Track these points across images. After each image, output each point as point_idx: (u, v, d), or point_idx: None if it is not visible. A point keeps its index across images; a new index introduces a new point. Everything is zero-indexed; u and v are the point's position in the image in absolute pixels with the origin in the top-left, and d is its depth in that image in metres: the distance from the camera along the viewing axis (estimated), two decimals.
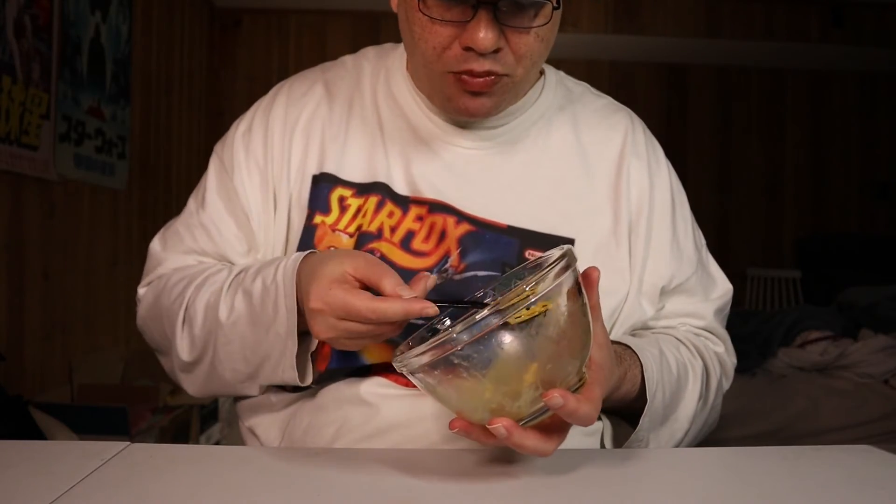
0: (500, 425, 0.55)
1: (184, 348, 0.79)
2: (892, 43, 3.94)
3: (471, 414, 0.57)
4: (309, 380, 0.74)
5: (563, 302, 0.55)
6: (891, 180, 4.41)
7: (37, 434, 1.67)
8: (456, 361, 0.54)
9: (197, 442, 2.41)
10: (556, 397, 0.54)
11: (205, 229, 0.84)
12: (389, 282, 0.62)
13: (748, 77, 4.40)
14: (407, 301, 0.61)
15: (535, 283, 0.54)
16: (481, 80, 0.71)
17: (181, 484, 0.55)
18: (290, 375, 0.73)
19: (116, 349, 2.79)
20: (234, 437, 2.66)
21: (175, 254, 0.85)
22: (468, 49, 0.69)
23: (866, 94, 4.41)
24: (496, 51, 0.69)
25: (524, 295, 0.53)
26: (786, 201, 4.43)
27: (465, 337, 0.53)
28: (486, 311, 0.53)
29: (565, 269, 0.56)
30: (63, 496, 0.51)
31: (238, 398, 0.87)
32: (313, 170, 0.81)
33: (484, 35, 0.67)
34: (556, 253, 0.59)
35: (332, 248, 0.77)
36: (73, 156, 2.48)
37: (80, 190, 2.57)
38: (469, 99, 0.73)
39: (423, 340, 0.57)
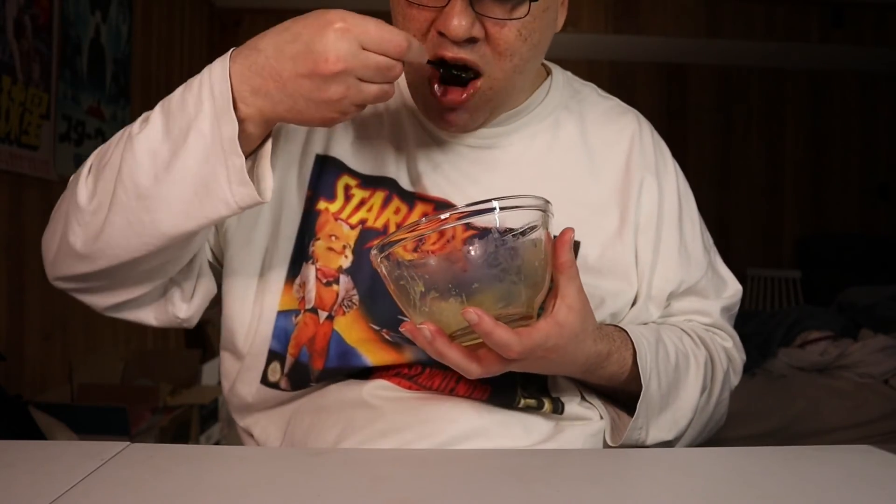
0: (426, 327, 0.59)
1: (84, 189, 0.69)
2: (892, 43, 3.94)
3: (411, 317, 0.61)
4: (264, 188, 0.65)
5: (515, 230, 0.58)
6: (891, 180, 4.41)
7: (37, 434, 1.67)
8: (399, 258, 0.59)
9: (197, 442, 2.41)
10: (472, 313, 0.57)
11: None
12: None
13: (748, 77, 4.40)
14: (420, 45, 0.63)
15: (499, 202, 0.58)
16: (454, 95, 0.71)
17: (181, 484, 0.55)
18: (230, 175, 0.62)
19: (116, 349, 2.79)
20: (234, 437, 2.65)
21: None
22: (442, 35, 0.68)
23: (866, 94, 4.41)
24: (473, 41, 0.69)
25: (485, 203, 0.58)
26: (786, 201, 4.43)
27: (421, 229, 0.58)
28: (446, 213, 0.58)
29: (533, 206, 0.59)
30: (63, 496, 0.51)
31: (230, 401, 0.84)
32: (318, 149, 0.80)
33: (457, 22, 0.66)
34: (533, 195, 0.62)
35: (333, 237, 0.77)
36: (73, 156, 2.48)
37: None
38: (446, 112, 0.73)
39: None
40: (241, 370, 0.79)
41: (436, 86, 0.71)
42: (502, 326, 0.58)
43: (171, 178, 0.64)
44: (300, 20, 0.61)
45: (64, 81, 2.42)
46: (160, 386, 2.40)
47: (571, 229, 0.63)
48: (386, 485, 0.56)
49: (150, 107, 0.69)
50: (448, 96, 0.71)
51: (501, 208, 0.58)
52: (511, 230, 0.58)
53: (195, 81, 0.66)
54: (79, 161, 2.52)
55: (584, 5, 3.81)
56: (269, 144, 0.67)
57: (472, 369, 0.61)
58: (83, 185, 0.70)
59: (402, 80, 0.83)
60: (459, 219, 0.58)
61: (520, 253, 0.59)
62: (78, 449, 0.62)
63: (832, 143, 4.43)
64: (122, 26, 2.86)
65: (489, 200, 0.58)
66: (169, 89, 0.69)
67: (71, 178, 0.74)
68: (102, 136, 2.70)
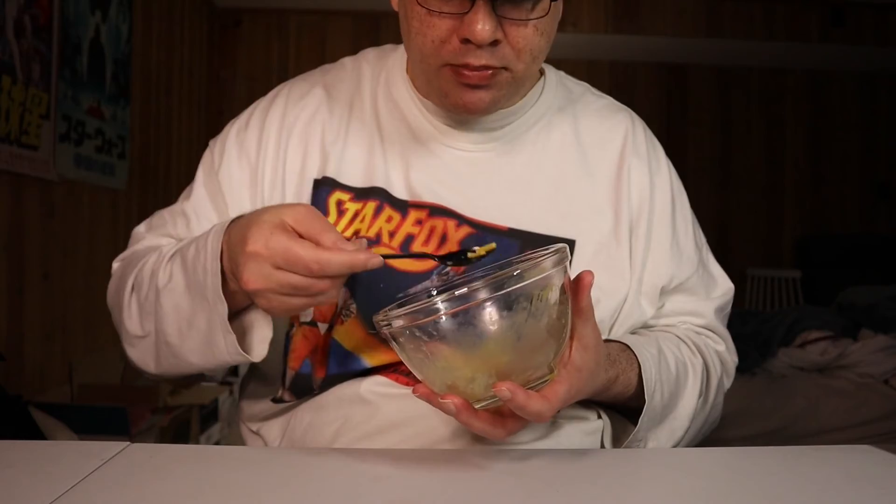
0: (450, 401, 0.57)
1: (131, 317, 0.77)
2: (892, 43, 3.94)
3: (431, 385, 0.59)
4: (257, 355, 0.71)
5: (540, 295, 0.56)
6: (891, 180, 4.41)
7: (37, 434, 1.67)
8: (417, 334, 0.56)
9: (197, 442, 2.41)
10: (504, 390, 0.56)
11: (186, 217, 0.84)
12: (329, 236, 0.61)
13: (748, 77, 4.40)
14: (351, 252, 0.60)
15: (521, 270, 0.55)
16: (478, 73, 0.71)
17: (181, 484, 0.55)
18: (227, 346, 0.69)
19: (116, 349, 2.77)
20: (234, 437, 2.66)
21: (155, 236, 0.85)
22: (466, 41, 0.69)
23: (866, 94, 4.41)
24: (494, 43, 0.69)
25: (507, 272, 0.55)
26: (786, 201, 4.43)
27: (445, 307, 0.55)
28: (464, 289, 0.55)
29: (555, 263, 0.57)
30: (63, 496, 0.51)
31: (240, 399, 0.86)
32: (314, 174, 0.80)
33: (482, 27, 0.67)
34: (551, 249, 0.60)
35: None
36: (73, 156, 2.48)
37: (80, 190, 2.57)
38: (467, 93, 0.73)
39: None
40: (264, 390, 0.81)
41: (461, 70, 0.71)
42: (534, 396, 0.57)
43: (191, 337, 0.72)
44: (246, 227, 0.63)
45: (64, 81, 2.42)
46: (160, 386, 2.40)
47: (591, 273, 0.61)
48: (385, 484, 0.56)
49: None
50: (473, 74, 0.71)
51: (522, 273, 0.55)
52: (534, 295, 0.56)
53: (204, 243, 0.70)
54: (79, 161, 2.52)
55: (584, 5, 3.81)
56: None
57: (499, 434, 0.61)
58: (127, 307, 0.78)
59: (394, 88, 0.83)
60: (476, 292, 0.54)
61: (545, 316, 0.57)
62: (78, 449, 0.62)
63: (832, 143, 4.42)
64: (122, 26, 2.86)
65: (511, 264, 0.55)
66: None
67: (113, 270, 0.86)
68: (102, 136, 2.70)
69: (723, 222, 4.33)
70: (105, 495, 0.52)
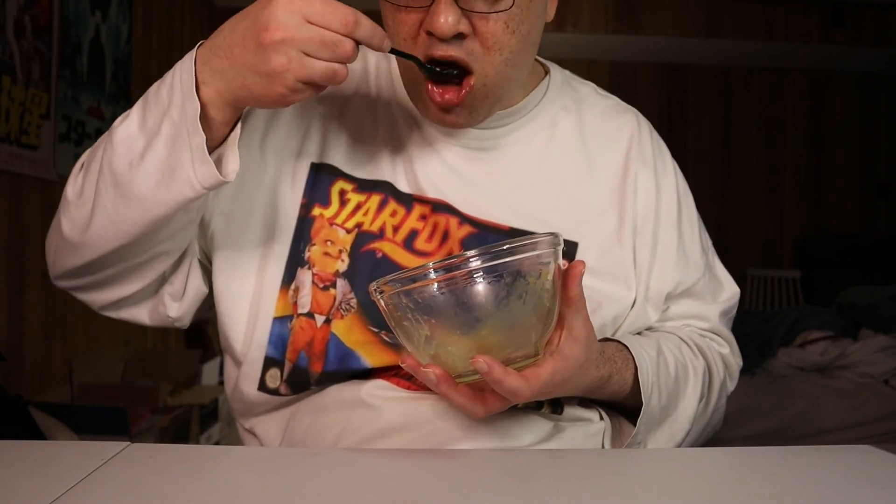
0: (431, 371, 0.59)
1: (75, 183, 0.72)
2: (892, 43, 3.94)
3: (415, 355, 0.61)
4: (228, 174, 0.65)
5: (527, 274, 0.57)
6: (891, 180, 4.42)
7: (37, 434, 1.67)
8: (405, 301, 0.58)
9: (197, 442, 2.41)
10: (482, 362, 0.57)
11: None
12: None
13: (748, 77, 4.40)
14: (376, 25, 0.62)
15: (511, 246, 0.56)
16: (451, 95, 0.71)
17: (181, 484, 0.55)
18: (193, 155, 0.63)
19: (116, 349, 2.79)
20: (234, 437, 2.66)
21: None
22: (431, 34, 0.68)
23: (866, 94, 4.41)
24: (461, 37, 0.69)
25: (497, 245, 0.56)
26: (786, 201, 4.43)
27: (432, 274, 0.56)
28: (453, 259, 0.56)
29: (545, 245, 0.58)
30: (63, 496, 0.51)
31: (229, 397, 0.85)
32: (313, 157, 0.79)
33: (444, 19, 0.66)
34: (544, 232, 0.60)
35: (328, 242, 0.77)
36: (73, 156, 2.48)
37: None
38: (445, 113, 0.73)
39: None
40: (240, 375, 0.78)
41: (431, 87, 0.71)
42: (512, 373, 0.58)
43: (144, 167, 0.66)
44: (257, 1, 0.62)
45: (64, 81, 2.42)
46: (160, 386, 2.40)
47: (582, 262, 0.62)
48: (386, 485, 0.56)
49: None
50: (445, 96, 0.71)
51: (513, 250, 0.56)
52: (521, 273, 0.57)
53: (169, 74, 0.66)
54: None
55: (584, 5, 3.81)
56: (237, 129, 0.67)
57: (477, 410, 0.62)
58: (72, 179, 0.73)
59: (397, 81, 0.82)
60: (467, 262, 0.56)
61: (531, 297, 0.57)
62: (78, 449, 0.62)
63: (832, 143, 4.43)
64: (122, 26, 2.86)
65: (502, 243, 0.56)
66: None
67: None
68: None
69: (723, 222, 4.34)
70: (105, 495, 0.52)
